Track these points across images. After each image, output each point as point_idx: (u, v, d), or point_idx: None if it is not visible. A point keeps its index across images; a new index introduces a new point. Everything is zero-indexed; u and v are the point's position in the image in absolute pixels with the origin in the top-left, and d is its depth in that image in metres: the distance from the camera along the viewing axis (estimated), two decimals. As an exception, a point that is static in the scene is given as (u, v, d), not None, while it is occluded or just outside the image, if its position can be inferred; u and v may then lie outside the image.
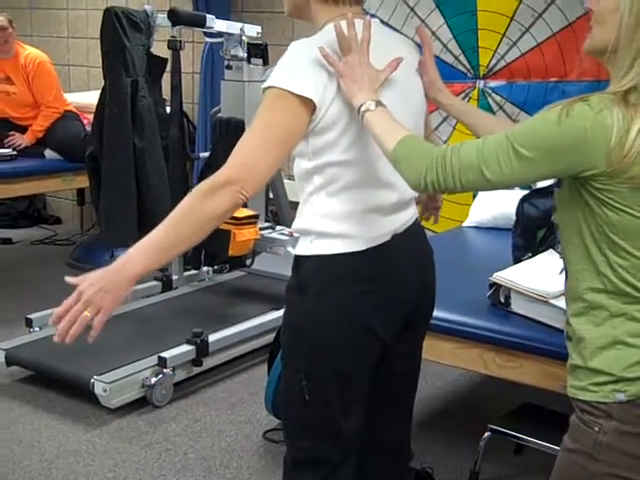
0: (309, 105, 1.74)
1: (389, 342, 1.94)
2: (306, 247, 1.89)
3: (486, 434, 3.02)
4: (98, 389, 3.52)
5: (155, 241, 1.73)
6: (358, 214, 1.85)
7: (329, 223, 1.85)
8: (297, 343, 1.92)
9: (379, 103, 1.72)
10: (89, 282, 1.70)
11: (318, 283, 1.86)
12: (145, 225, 5.54)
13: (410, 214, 1.99)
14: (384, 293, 1.89)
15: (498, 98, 4.65)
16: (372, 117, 1.71)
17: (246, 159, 1.74)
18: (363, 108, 1.71)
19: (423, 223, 2.15)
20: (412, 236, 1.99)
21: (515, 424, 3.01)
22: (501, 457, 3.21)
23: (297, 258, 1.91)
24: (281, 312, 3.82)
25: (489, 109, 4.60)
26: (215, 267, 4.91)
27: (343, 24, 1.77)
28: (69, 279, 1.74)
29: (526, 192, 3.27)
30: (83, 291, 1.69)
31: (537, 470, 3.14)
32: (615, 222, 1.51)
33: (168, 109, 4.74)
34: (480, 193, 4.00)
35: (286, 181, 5.57)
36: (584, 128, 1.46)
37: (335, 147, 1.80)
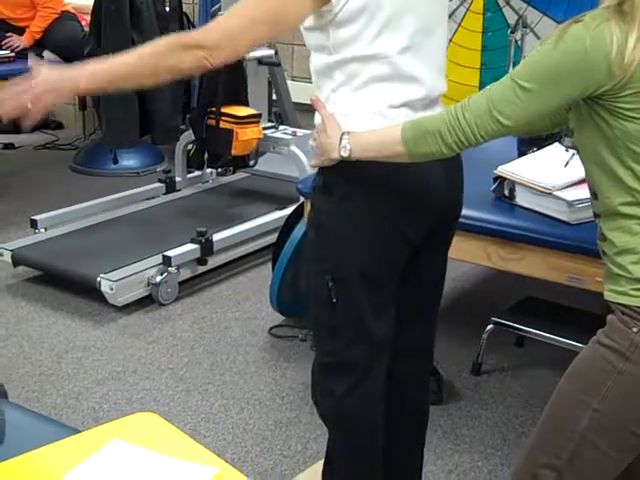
0: None
1: (417, 246, 1.90)
2: None
3: (489, 327, 3.06)
4: (105, 287, 3.55)
5: (112, 68, 1.75)
6: (385, 110, 1.77)
7: (353, 121, 1.77)
8: (323, 244, 1.88)
9: (345, 134, 1.72)
10: (43, 78, 1.75)
11: (344, 183, 1.81)
12: (146, 125, 5.52)
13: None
14: (413, 194, 1.83)
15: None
16: (357, 142, 1.71)
17: (227, 30, 1.69)
18: (343, 148, 1.72)
19: None
20: None
21: (518, 317, 3.05)
22: (503, 350, 3.26)
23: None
24: (285, 212, 3.88)
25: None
26: (219, 170, 4.89)
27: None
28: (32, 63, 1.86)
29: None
30: (36, 85, 1.74)
31: (538, 362, 3.20)
32: (633, 132, 1.49)
33: (167, 9, 4.65)
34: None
35: (290, 82, 5.50)
36: (583, 48, 1.45)
37: (358, 40, 1.72)
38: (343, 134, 1.72)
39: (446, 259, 2.08)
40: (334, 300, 1.86)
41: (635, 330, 1.53)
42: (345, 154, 1.71)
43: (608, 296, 1.61)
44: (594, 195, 1.64)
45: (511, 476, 1.74)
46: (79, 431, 1.61)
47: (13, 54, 5.29)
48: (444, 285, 2.11)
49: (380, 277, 1.88)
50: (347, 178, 1.80)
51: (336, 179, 1.82)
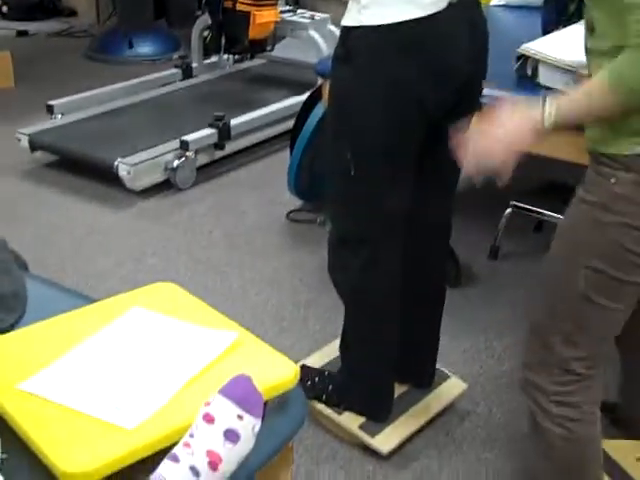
0: None
1: (438, 117, 1.85)
2: (353, 17, 1.78)
3: (507, 210, 3.04)
4: (122, 171, 3.55)
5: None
6: None
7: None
8: (342, 115, 1.86)
9: (546, 101, 1.50)
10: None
11: (365, 53, 1.77)
12: (161, 7, 5.40)
13: None
14: (436, 65, 1.78)
15: None
16: (559, 104, 1.48)
17: None
18: (547, 122, 1.49)
19: None
20: (468, 6, 1.85)
21: (537, 200, 3.02)
22: (522, 234, 3.25)
23: (344, 29, 1.81)
24: (302, 97, 3.81)
25: None
26: (236, 56, 4.80)
27: None
28: None
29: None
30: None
31: (556, 247, 3.19)
32: None
33: None
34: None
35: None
36: None
37: None
38: (544, 101, 1.50)
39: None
40: (352, 172, 1.86)
41: (613, 181, 1.51)
42: (549, 118, 1.47)
43: (587, 145, 1.58)
44: (591, 30, 1.57)
45: (524, 350, 1.76)
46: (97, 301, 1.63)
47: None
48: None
49: (396, 147, 1.86)
50: (369, 45, 1.76)
51: (358, 46, 1.78)
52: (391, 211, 1.93)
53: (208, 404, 1.23)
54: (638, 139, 1.48)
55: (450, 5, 1.78)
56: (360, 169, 1.86)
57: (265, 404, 1.29)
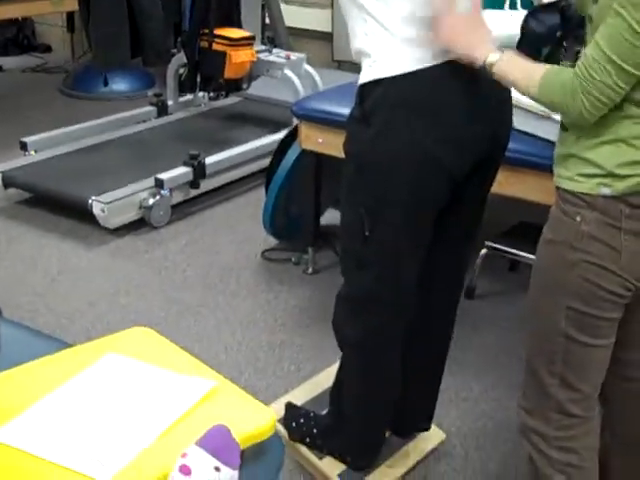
0: None
1: (459, 181, 1.79)
2: (367, 73, 1.73)
3: (483, 251, 3.06)
4: (97, 209, 3.53)
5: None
6: (419, 19, 1.65)
7: (387, 34, 1.67)
8: (359, 176, 1.80)
9: (498, 51, 1.58)
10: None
11: (383, 111, 1.71)
12: (137, 46, 5.41)
13: None
14: (456, 126, 1.71)
15: None
16: (508, 57, 1.57)
17: None
18: (490, 60, 1.57)
19: None
20: None
21: (511, 241, 3.05)
22: (497, 274, 3.27)
23: (360, 88, 1.77)
24: (278, 136, 3.83)
25: None
26: (211, 94, 4.81)
27: None
28: None
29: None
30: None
31: (531, 287, 3.21)
32: None
33: None
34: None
35: (283, 6, 5.40)
36: None
37: None
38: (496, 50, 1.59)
39: (487, 193, 1.98)
40: (366, 233, 1.80)
41: (578, 219, 1.53)
42: (493, 59, 1.56)
43: (555, 181, 1.60)
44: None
45: (521, 396, 1.75)
46: (73, 346, 1.61)
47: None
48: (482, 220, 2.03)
49: (417, 214, 1.80)
50: (387, 107, 1.70)
51: (375, 108, 1.72)
52: (402, 276, 1.87)
53: (185, 455, 1.21)
54: (604, 180, 1.51)
55: None
56: (375, 231, 1.80)
57: (242, 453, 1.28)
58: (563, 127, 1.60)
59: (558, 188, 1.60)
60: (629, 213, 1.51)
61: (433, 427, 2.33)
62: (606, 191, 1.51)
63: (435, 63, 1.68)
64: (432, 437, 2.33)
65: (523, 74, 1.55)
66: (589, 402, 1.68)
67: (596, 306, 1.57)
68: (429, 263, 1.93)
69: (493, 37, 1.65)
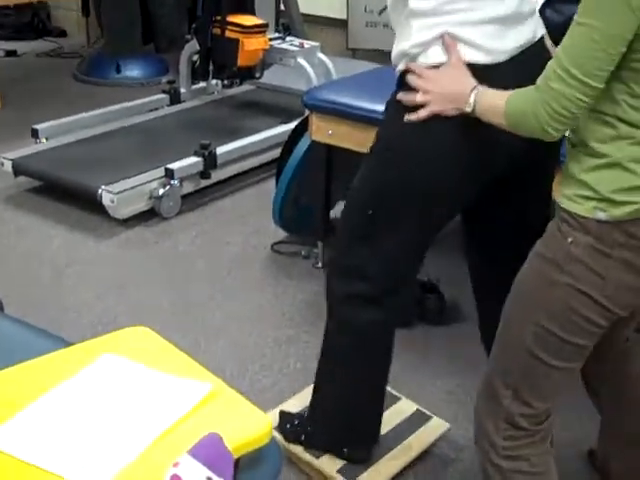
0: None
1: (485, 180, 1.78)
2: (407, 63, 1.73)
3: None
4: (106, 199, 3.50)
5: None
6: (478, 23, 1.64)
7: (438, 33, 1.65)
8: (382, 158, 1.81)
9: (474, 89, 1.59)
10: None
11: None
12: (150, 32, 5.37)
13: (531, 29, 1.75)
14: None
15: None
16: (480, 99, 1.58)
17: None
18: (468, 104, 1.59)
19: None
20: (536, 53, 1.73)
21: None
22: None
23: (401, 75, 1.75)
24: (290, 126, 3.78)
25: None
26: (224, 82, 4.77)
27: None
28: None
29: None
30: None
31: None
32: None
33: None
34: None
35: (298, -8, 5.33)
36: None
37: None
38: (475, 87, 1.59)
39: (543, 194, 1.91)
40: (369, 212, 1.83)
41: (570, 240, 1.49)
42: (469, 109, 1.59)
43: (557, 197, 1.56)
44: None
45: (476, 398, 1.73)
46: (70, 344, 1.58)
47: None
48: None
49: (431, 208, 1.80)
50: None
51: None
52: (404, 274, 1.91)
53: (177, 465, 1.18)
54: (600, 205, 1.46)
55: (524, 52, 1.70)
56: (379, 211, 1.82)
57: (238, 461, 1.25)
58: (569, 142, 1.56)
59: (558, 205, 1.55)
60: (623, 241, 1.46)
61: (435, 418, 2.30)
62: (602, 215, 1.46)
63: (486, 61, 1.66)
64: (435, 429, 2.29)
65: (491, 110, 1.55)
66: (539, 418, 1.65)
67: (567, 330, 1.53)
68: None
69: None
